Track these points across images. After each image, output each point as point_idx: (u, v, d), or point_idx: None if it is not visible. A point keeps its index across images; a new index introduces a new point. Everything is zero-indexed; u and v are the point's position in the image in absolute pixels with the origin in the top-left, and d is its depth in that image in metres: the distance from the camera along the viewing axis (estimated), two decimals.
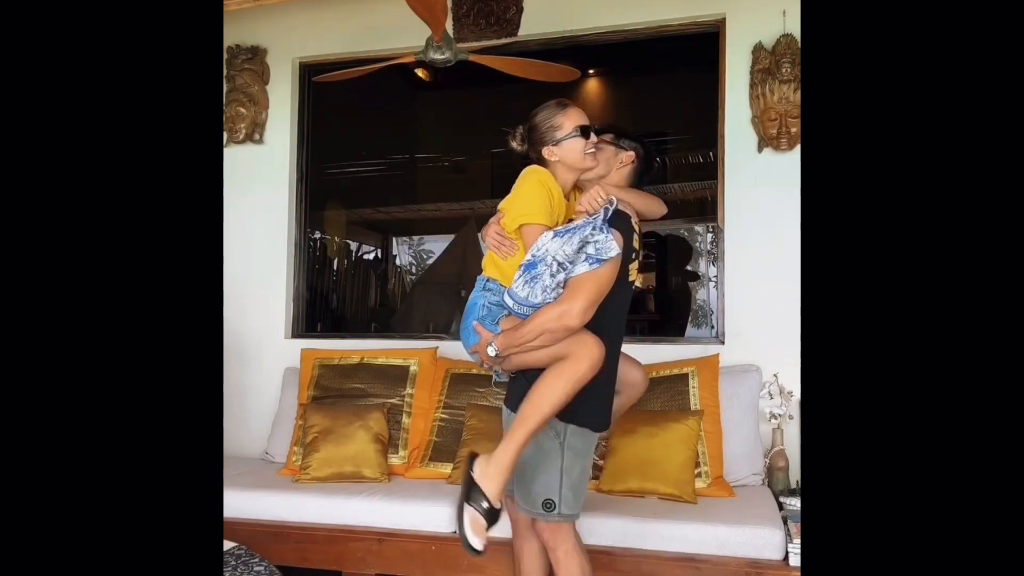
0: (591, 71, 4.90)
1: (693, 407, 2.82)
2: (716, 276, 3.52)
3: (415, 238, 5.84)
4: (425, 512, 2.60)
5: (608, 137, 2.12)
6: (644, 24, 3.31)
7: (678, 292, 5.21)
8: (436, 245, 5.62)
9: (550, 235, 1.88)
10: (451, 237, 5.15)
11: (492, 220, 2.08)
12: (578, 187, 2.09)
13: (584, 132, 1.99)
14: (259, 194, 3.68)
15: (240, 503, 2.73)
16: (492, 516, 1.82)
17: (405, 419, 3.12)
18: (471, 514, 1.80)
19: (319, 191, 4.00)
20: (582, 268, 1.83)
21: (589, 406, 1.92)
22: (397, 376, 3.21)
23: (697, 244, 5.17)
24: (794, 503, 2.55)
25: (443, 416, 3.09)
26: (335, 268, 5.12)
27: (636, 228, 1.97)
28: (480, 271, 2.10)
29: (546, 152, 2.01)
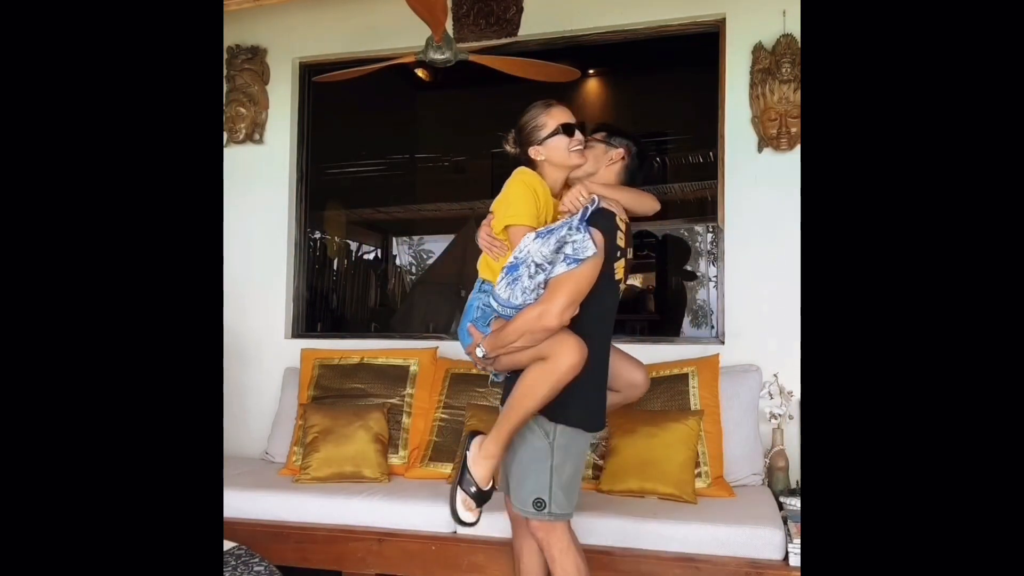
0: (591, 71, 4.90)
1: (693, 407, 2.83)
2: (716, 276, 3.52)
3: (415, 238, 5.84)
4: (425, 512, 2.60)
5: (599, 135, 2.12)
6: (644, 24, 3.31)
7: (678, 292, 5.21)
8: (436, 245, 5.62)
9: (532, 236, 1.89)
10: (451, 237, 5.15)
11: (484, 221, 2.09)
12: (570, 186, 2.09)
13: (567, 130, 1.99)
14: (259, 194, 3.68)
15: (240, 503, 2.73)
16: (481, 498, 1.98)
17: (405, 419, 3.12)
18: (461, 496, 1.98)
19: (319, 191, 4.00)
20: (561, 268, 1.83)
21: (578, 406, 1.93)
22: (397, 376, 3.21)
23: (697, 244, 5.17)
24: (794, 503, 2.55)
25: (443, 416, 3.09)
26: (335, 268, 5.12)
27: (621, 226, 1.96)
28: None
29: (532, 152, 2.02)
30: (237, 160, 3.64)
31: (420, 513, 2.60)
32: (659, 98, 4.83)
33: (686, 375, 2.91)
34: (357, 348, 3.42)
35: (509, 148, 2.09)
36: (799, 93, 2.99)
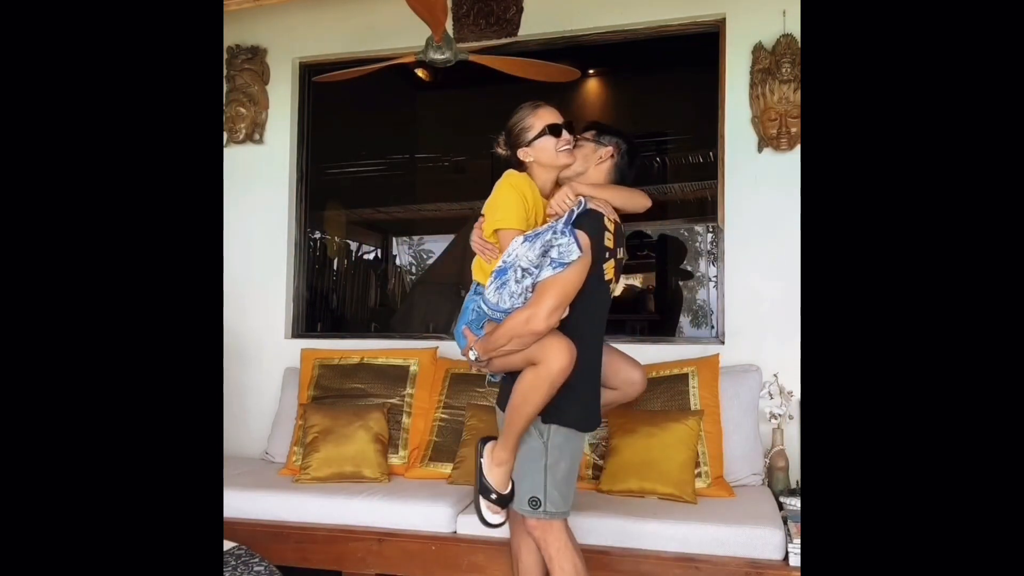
0: (591, 71, 4.90)
1: (693, 407, 2.82)
2: (716, 276, 3.52)
3: (415, 238, 5.84)
4: (425, 512, 2.60)
5: (589, 134, 2.11)
6: (644, 24, 3.31)
7: (677, 292, 5.21)
8: (436, 245, 5.62)
9: (520, 240, 1.90)
10: (451, 237, 5.14)
11: (476, 224, 2.10)
12: (560, 185, 2.08)
13: (554, 130, 1.99)
14: (259, 194, 3.68)
15: (240, 503, 2.72)
16: (503, 501, 2.02)
17: (405, 419, 3.12)
18: (485, 504, 2.03)
19: (319, 191, 4.00)
20: (547, 272, 1.84)
21: (571, 406, 1.94)
22: (397, 376, 3.21)
23: (697, 244, 5.17)
24: (794, 503, 2.55)
25: (443, 416, 3.09)
26: (335, 268, 5.12)
27: (610, 227, 1.95)
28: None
29: (521, 154, 2.03)
30: (237, 160, 3.64)
31: (420, 513, 2.60)
32: (659, 98, 4.83)
33: (686, 375, 2.91)
34: (357, 348, 3.42)
35: (500, 151, 2.10)
36: (799, 93, 2.99)
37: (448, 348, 3.27)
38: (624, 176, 2.12)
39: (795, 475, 2.81)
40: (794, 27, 3.04)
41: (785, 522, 2.39)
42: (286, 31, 3.69)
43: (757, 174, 3.12)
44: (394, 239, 5.82)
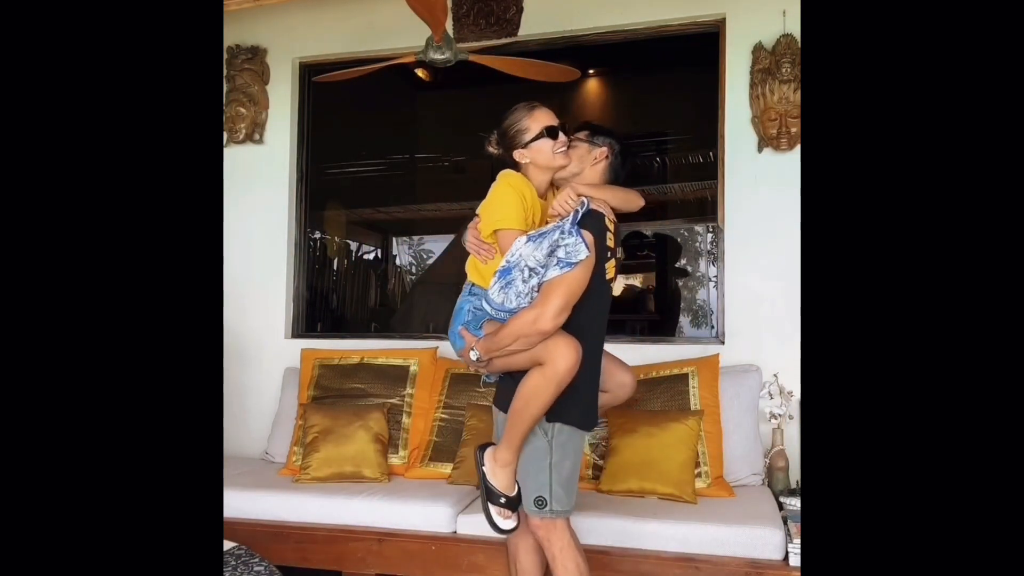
0: (591, 71, 4.90)
1: (693, 407, 2.82)
2: (716, 276, 3.52)
3: (415, 238, 5.84)
4: (425, 512, 2.60)
5: (582, 134, 2.12)
6: (644, 24, 3.31)
7: (676, 292, 5.21)
8: (436, 245, 5.62)
9: (523, 240, 1.91)
10: (451, 237, 5.14)
11: (470, 225, 2.10)
12: (556, 185, 2.10)
13: (551, 132, 2.00)
14: (259, 194, 3.68)
15: (240, 503, 2.72)
16: (512, 504, 1.99)
17: (405, 419, 3.12)
18: (495, 509, 2.00)
19: (319, 191, 4.00)
20: (554, 272, 1.85)
21: (575, 405, 1.95)
22: (397, 376, 3.21)
23: (697, 244, 5.17)
24: (794, 503, 2.55)
25: (443, 416, 3.09)
26: (335, 268, 5.11)
27: (610, 227, 1.97)
28: (457, 275, 2.12)
29: (517, 155, 2.04)
30: (237, 160, 3.64)
31: (420, 513, 2.60)
32: (659, 98, 4.82)
33: (686, 375, 2.91)
34: (357, 348, 3.42)
35: (492, 150, 2.11)
36: (799, 93, 2.99)
37: (448, 348, 3.26)
38: (617, 176, 2.14)
39: (795, 475, 2.81)
40: (794, 27, 3.04)
41: (785, 522, 2.39)
42: (286, 31, 3.69)
43: (757, 174, 3.12)
44: (394, 239, 5.82)
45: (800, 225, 1.13)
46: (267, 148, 3.71)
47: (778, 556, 2.29)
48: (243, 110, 3.67)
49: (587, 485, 2.73)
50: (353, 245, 5.43)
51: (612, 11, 3.31)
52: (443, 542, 2.54)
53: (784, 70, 3.03)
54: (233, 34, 3.69)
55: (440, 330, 4.19)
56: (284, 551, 2.63)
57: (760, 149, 3.12)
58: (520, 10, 3.41)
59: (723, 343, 3.14)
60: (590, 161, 2.09)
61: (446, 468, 2.94)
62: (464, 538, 2.53)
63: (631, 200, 2.10)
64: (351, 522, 2.66)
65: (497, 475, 1.98)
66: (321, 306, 4.64)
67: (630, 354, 3.03)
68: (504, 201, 1.98)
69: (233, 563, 1.99)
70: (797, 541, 2.27)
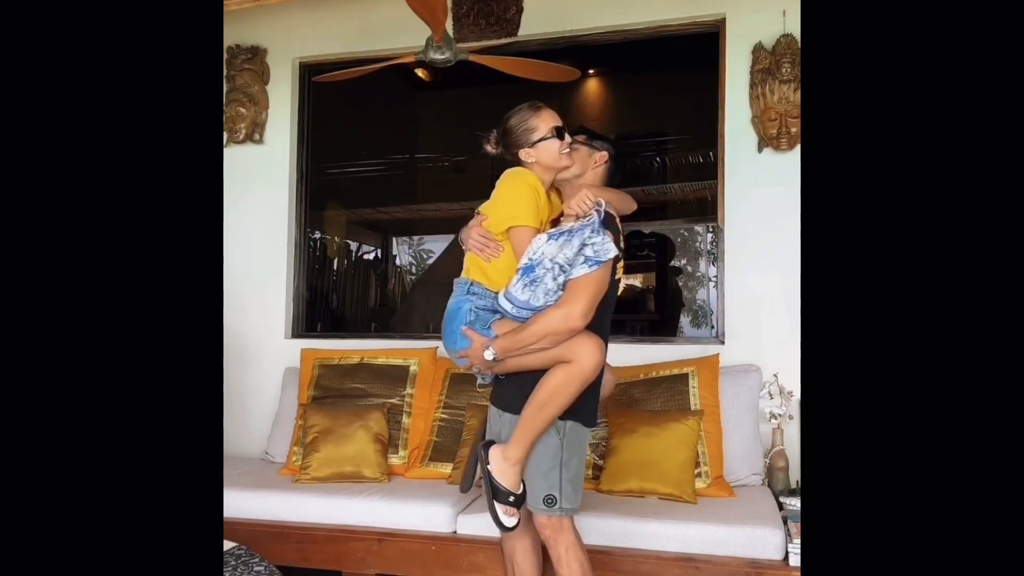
0: (591, 71, 4.90)
1: (693, 407, 2.82)
2: (716, 276, 3.52)
3: (415, 238, 5.84)
4: (425, 512, 2.60)
5: (581, 138, 2.15)
6: (644, 24, 3.31)
7: (677, 292, 5.21)
8: (436, 245, 5.62)
9: (544, 238, 1.92)
10: (451, 237, 5.13)
11: (472, 223, 2.10)
12: (554, 187, 2.12)
13: (559, 133, 2.02)
14: (259, 194, 3.68)
15: (240, 503, 2.72)
16: (519, 503, 1.98)
17: (405, 419, 3.12)
18: (502, 508, 1.98)
19: (319, 191, 4.00)
20: (581, 270, 1.87)
21: (586, 403, 1.97)
22: (397, 376, 3.21)
23: (697, 243, 5.17)
24: (794, 503, 2.55)
25: (443, 416, 3.09)
26: (335, 268, 5.11)
27: (620, 227, 2.00)
28: (457, 274, 2.12)
29: (523, 154, 2.04)
30: (237, 160, 3.64)
31: (420, 513, 2.60)
32: (659, 98, 4.82)
33: (686, 375, 2.91)
34: (357, 348, 3.42)
35: (490, 148, 2.12)
36: (799, 93, 2.99)
37: None
38: (612, 180, 2.18)
39: (795, 475, 2.81)
40: (794, 27, 3.04)
41: (785, 522, 2.39)
42: (286, 31, 3.69)
43: (757, 174, 3.12)
44: (394, 239, 5.82)
45: (800, 225, 1.13)
46: (267, 148, 3.71)
47: (778, 556, 2.29)
48: (243, 110, 3.67)
49: (587, 485, 2.71)
50: (353, 245, 5.43)
51: (612, 11, 3.31)
52: (443, 542, 2.54)
53: (784, 70, 3.03)
54: (233, 34, 3.69)
55: (440, 330, 4.19)
56: (284, 551, 2.63)
57: (760, 149, 3.12)
58: (520, 10, 3.41)
59: (723, 343, 3.14)
60: (591, 164, 2.12)
61: (446, 468, 2.94)
62: (464, 538, 2.53)
63: (627, 203, 2.14)
64: (351, 522, 2.66)
65: (506, 473, 1.96)
66: (321, 306, 4.64)
67: (630, 354, 3.05)
68: (519, 199, 1.98)
69: (233, 563, 1.99)
70: (797, 541, 2.27)
